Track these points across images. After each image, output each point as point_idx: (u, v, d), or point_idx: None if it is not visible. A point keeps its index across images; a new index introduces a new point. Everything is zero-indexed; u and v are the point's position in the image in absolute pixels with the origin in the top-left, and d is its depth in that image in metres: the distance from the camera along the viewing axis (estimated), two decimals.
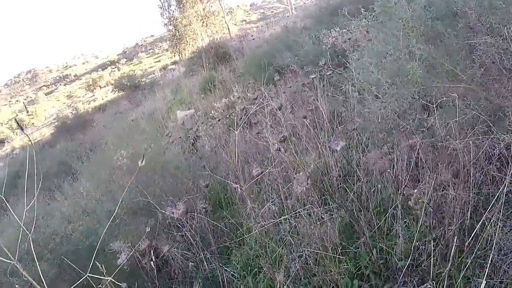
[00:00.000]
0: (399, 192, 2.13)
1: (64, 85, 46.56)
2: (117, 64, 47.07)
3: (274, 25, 17.60)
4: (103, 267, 1.97)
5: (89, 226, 3.01)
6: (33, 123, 38.31)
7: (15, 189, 12.66)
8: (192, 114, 7.85)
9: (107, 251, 2.61)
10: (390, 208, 2.15)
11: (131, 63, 45.41)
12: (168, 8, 23.94)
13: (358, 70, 2.38)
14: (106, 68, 46.33)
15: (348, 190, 2.41)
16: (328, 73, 3.81)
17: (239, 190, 2.32)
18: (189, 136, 5.39)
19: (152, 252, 2.22)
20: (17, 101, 45.66)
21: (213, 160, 4.05)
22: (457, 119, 1.93)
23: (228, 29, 24.22)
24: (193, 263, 2.41)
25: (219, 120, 5.20)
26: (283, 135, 2.51)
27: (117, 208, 3.08)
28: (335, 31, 5.24)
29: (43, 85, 48.60)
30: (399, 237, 2.00)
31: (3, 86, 53.33)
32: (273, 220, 2.33)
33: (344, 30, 5.11)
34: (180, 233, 2.72)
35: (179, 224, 2.71)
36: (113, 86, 25.53)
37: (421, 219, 1.82)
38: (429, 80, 2.10)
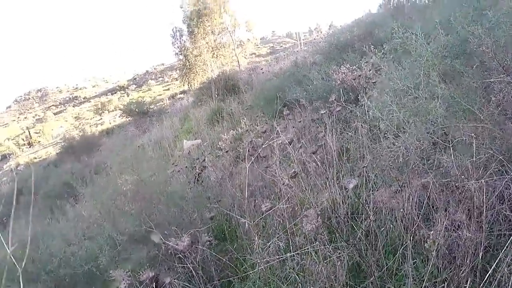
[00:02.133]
0: (409, 231, 2.08)
1: (73, 106, 47.36)
2: (126, 89, 47.99)
3: (283, 59, 17.90)
4: None
5: (89, 250, 2.94)
6: (39, 141, 38.72)
7: (17, 205, 12.64)
8: (199, 144, 7.88)
9: (105, 278, 2.55)
10: (400, 247, 2.10)
11: (140, 90, 46.27)
12: (180, 38, 24.63)
13: (376, 107, 2.37)
14: (115, 93, 47.24)
15: (356, 228, 2.36)
16: (337, 109, 3.82)
17: (246, 225, 2.26)
18: (195, 166, 5.36)
19: (154, 283, 2.16)
20: (25, 118, 46.33)
21: (218, 192, 4.01)
22: (474, 159, 1.90)
23: (238, 62, 24.70)
24: None
25: (226, 152, 5.19)
26: (294, 170, 2.47)
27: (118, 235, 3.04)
28: (345, 67, 5.29)
29: (52, 105, 49.43)
30: (409, 277, 1.94)
31: (12, 102, 54.37)
32: (279, 257, 2.26)
33: (353, 67, 5.18)
34: (182, 265, 2.65)
35: (181, 255, 2.65)
36: (121, 111, 25.79)
37: (432, 260, 1.77)
38: (447, 119, 2.10)
